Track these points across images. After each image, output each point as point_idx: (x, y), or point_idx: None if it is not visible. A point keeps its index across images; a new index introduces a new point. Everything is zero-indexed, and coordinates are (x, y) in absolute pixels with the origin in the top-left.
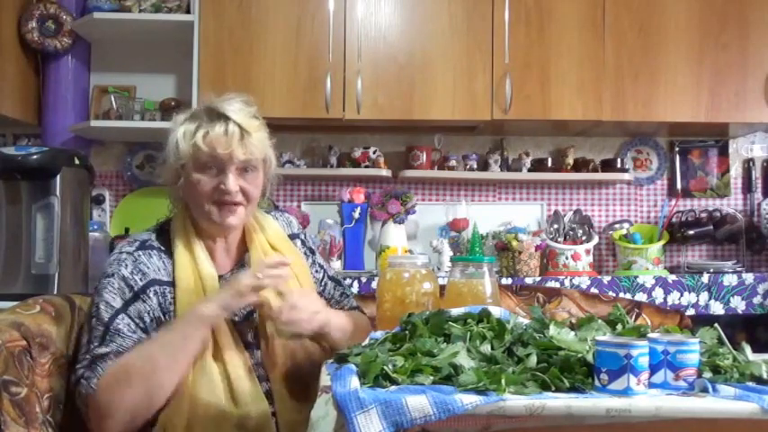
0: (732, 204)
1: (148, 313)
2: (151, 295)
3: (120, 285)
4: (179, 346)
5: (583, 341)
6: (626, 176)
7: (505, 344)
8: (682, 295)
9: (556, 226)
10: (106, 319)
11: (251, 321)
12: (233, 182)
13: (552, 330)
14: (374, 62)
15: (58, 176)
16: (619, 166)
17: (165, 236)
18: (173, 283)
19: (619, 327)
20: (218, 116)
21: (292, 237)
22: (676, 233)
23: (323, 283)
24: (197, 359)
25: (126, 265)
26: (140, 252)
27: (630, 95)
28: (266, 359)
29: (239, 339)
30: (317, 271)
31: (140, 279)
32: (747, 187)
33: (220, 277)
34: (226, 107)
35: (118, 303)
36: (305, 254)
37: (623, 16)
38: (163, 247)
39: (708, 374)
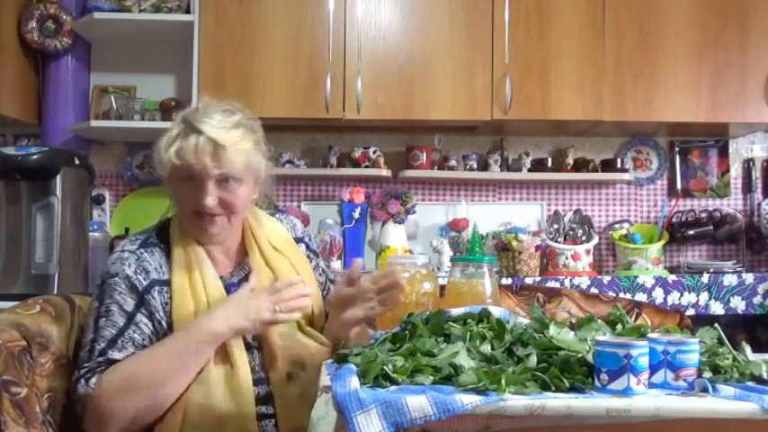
0: (732, 204)
1: (157, 313)
2: (155, 295)
3: (127, 285)
4: (188, 359)
5: (583, 341)
6: (626, 176)
7: (505, 344)
8: (682, 295)
9: (556, 226)
10: (121, 324)
11: None
12: (209, 197)
13: (552, 330)
14: (374, 62)
15: (58, 176)
16: (619, 166)
17: (165, 233)
18: (170, 282)
19: (619, 327)
20: (191, 129)
21: (298, 240)
22: (676, 233)
23: (326, 287)
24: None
25: (129, 264)
26: (143, 250)
27: (630, 95)
28: (267, 360)
29: (241, 341)
30: (320, 274)
31: (144, 279)
32: (747, 187)
33: (220, 278)
34: (201, 120)
35: (130, 306)
36: (308, 257)
37: (623, 16)
38: (163, 245)
39: (708, 374)
